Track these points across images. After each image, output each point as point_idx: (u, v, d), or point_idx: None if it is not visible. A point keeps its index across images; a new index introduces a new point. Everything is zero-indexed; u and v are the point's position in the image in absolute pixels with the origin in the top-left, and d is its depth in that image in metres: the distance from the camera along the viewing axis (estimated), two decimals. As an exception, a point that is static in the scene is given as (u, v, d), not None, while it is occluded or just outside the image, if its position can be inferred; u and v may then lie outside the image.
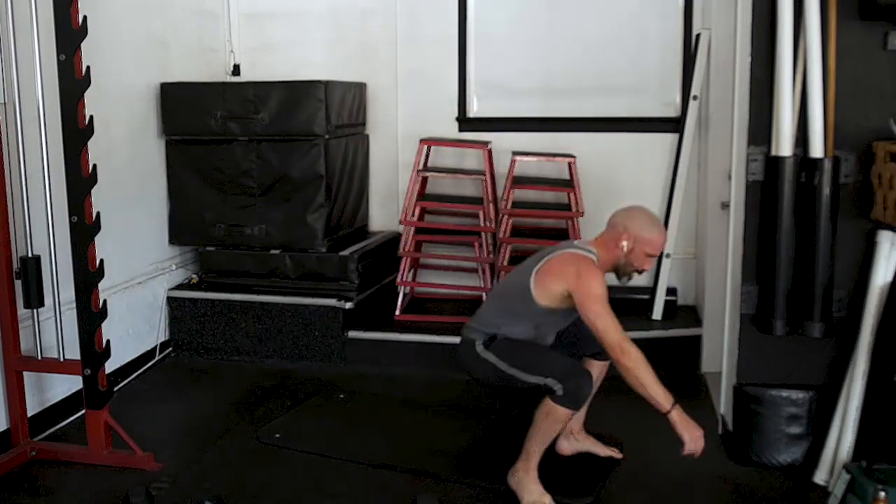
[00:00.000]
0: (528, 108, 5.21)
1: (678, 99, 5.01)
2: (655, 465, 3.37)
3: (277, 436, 3.67)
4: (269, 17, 5.44)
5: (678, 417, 2.85)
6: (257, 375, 4.51)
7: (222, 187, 4.77)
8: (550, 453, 3.14)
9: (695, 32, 4.82)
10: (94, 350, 3.37)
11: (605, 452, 3.42)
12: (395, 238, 5.25)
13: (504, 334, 3.13)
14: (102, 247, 3.37)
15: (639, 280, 5.04)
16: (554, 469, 3.17)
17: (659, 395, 2.86)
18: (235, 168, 4.74)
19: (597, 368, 3.27)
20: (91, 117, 3.25)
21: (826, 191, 3.09)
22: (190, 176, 4.79)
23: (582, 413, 3.34)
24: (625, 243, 3.08)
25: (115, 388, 4.10)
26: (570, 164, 4.88)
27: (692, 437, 2.84)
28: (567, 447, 3.40)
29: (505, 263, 4.73)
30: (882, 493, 2.70)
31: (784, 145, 3.16)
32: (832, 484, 3.11)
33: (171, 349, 4.79)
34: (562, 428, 3.05)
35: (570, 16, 5.10)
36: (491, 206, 4.85)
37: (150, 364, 4.59)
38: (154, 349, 4.66)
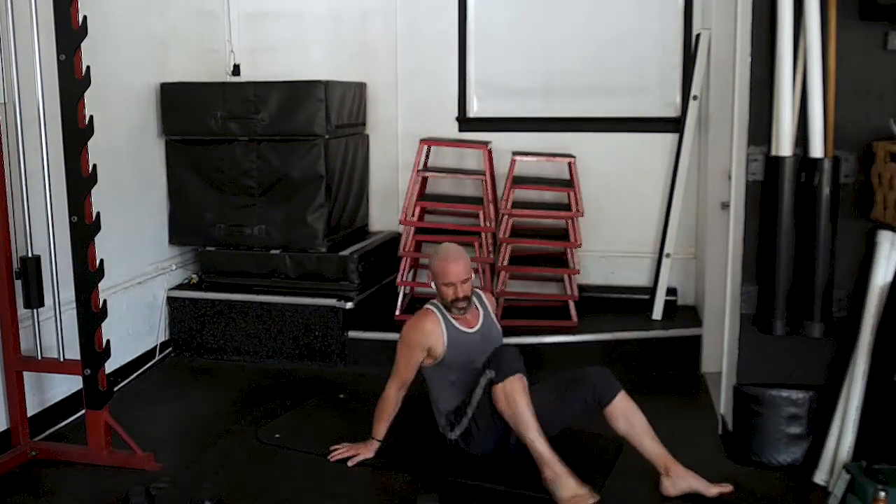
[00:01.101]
0: (528, 108, 5.21)
1: (678, 99, 5.01)
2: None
3: (277, 436, 3.67)
4: (269, 17, 5.44)
5: (367, 442, 3.42)
6: (257, 375, 4.51)
7: (222, 187, 4.77)
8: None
9: (695, 32, 4.82)
10: (94, 350, 3.37)
11: (714, 491, 3.09)
12: (395, 238, 5.25)
13: (449, 409, 3.43)
14: (102, 247, 3.37)
15: (639, 280, 5.11)
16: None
17: (376, 426, 3.43)
18: (235, 168, 4.74)
19: (619, 408, 3.21)
20: (91, 117, 3.25)
21: (826, 191, 3.08)
22: (190, 176, 4.79)
23: (663, 452, 3.16)
24: (432, 283, 3.44)
25: (115, 388, 4.09)
26: (570, 164, 4.88)
27: (350, 448, 3.43)
28: (671, 487, 3.11)
29: (505, 263, 4.72)
30: (882, 493, 2.71)
31: (784, 145, 3.16)
32: (832, 484, 3.11)
33: (171, 349, 4.79)
34: (526, 401, 3.09)
35: (570, 16, 5.10)
36: (491, 206, 4.84)
37: (150, 364, 4.59)
38: (154, 349, 4.66)
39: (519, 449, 3.18)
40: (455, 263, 3.36)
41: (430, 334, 3.37)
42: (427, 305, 3.49)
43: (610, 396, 3.21)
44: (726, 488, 3.11)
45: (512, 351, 3.22)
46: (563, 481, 3.00)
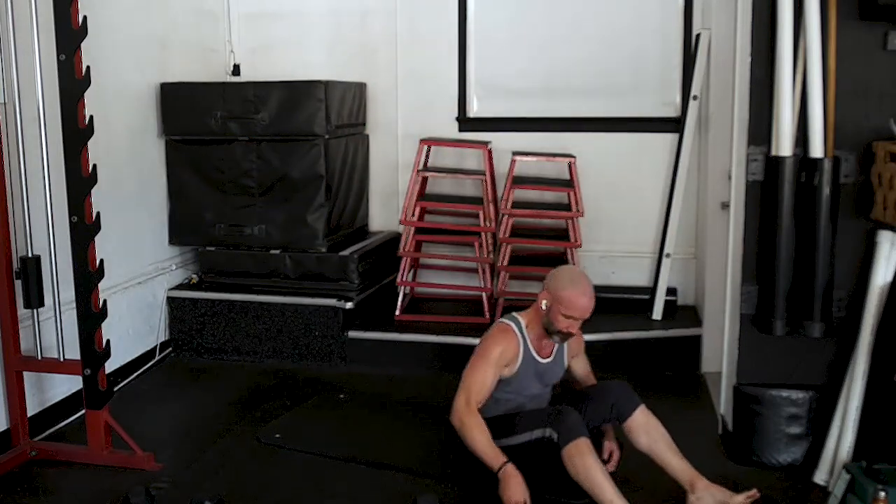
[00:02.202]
0: (528, 108, 5.21)
1: (678, 99, 5.01)
2: (656, 465, 3.36)
3: (277, 436, 3.67)
4: (269, 17, 5.44)
5: (503, 476, 2.92)
6: (257, 375, 4.51)
7: (222, 187, 4.77)
8: (545, 456, 3.11)
9: (695, 32, 4.82)
10: (94, 350, 3.37)
11: (739, 499, 2.96)
12: (395, 238, 5.25)
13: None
14: (102, 247, 3.38)
15: (639, 280, 5.11)
16: (553, 469, 3.16)
17: (488, 456, 2.97)
18: (235, 168, 4.74)
19: (639, 423, 3.14)
20: (91, 117, 3.25)
21: (826, 191, 3.09)
22: (190, 176, 4.79)
23: (688, 468, 3.06)
24: (543, 302, 3.15)
25: (115, 388, 4.09)
26: (570, 164, 4.88)
27: (507, 497, 2.90)
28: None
29: (505, 263, 4.72)
30: (882, 493, 2.71)
31: (784, 145, 3.16)
32: (832, 484, 3.11)
33: (171, 349, 4.79)
34: (595, 460, 2.93)
35: (570, 16, 5.10)
36: (491, 206, 4.84)
37: (150, 364, 4.59)
38: (154, 349, 4.66)
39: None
40: (591, 301, 3.12)
41: (511, 351, 3.16)
42: (506, 322, 3.25)
43: (629, 411, 3.14)
44: (753, 495, 2.97)
45: (576, 415, 3.03)
46: None
